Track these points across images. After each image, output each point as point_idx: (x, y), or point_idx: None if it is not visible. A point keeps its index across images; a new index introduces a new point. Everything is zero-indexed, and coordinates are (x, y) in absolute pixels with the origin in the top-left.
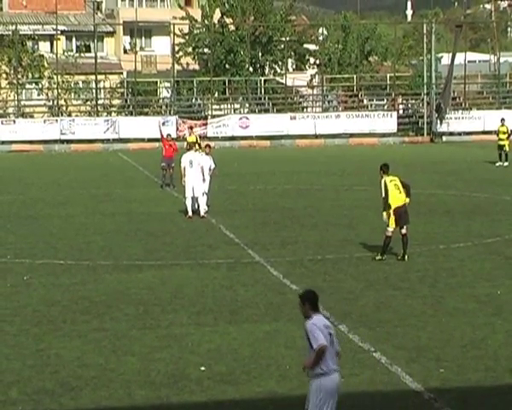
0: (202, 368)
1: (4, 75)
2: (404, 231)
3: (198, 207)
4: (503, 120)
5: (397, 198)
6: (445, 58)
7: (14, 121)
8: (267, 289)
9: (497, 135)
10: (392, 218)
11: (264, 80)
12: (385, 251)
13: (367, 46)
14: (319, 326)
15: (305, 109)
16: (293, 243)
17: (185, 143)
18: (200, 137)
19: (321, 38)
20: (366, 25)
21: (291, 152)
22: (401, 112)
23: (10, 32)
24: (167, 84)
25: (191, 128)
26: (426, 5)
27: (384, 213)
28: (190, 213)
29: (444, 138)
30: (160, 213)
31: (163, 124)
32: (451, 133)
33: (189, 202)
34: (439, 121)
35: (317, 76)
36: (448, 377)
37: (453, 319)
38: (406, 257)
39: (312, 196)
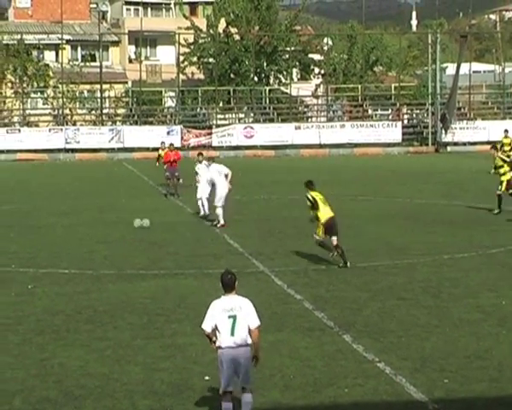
0: (206, 378)
1: (9, 84)
2: (335, 241)
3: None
4: (506, 131)
5: (325, 212)
6: (450, 68)
7: (20, 130)
8: (271, 299)
9: (501, 147)
10: (322, 228)
11: (269, 90)
12: (330, 249)
13: (372, 56)
14: (214, 307)
15: (309, 119)
16: (297, 252)
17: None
18: (204, 146)
19: (326, 48)
20: (371, 35)
21: (296, 162)
22: (406, 122)
23: (16, 42)
24: (172, 94)
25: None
26: (431, 15)
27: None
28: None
29: (448, 148)
30: (164, 222)
31: (167, 133)
32: (456, 143)
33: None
34: (444, 131)
35: (321, 86)
36: (452, 388)
37: (457, 329)
38: (348, 263)
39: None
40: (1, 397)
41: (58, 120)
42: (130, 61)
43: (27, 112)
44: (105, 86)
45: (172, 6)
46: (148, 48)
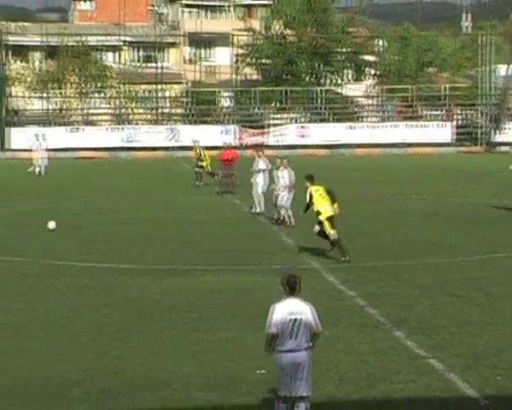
0: (259, 371)
1: (72, 85)
2: (332, 236)
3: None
4: None
5: (325, 208)
6: (503, 69)
7: (80, 129)
8: (324, 296)
9: None
10: (327, 222)
11: (323, 90)
12: (345, 250)
13: (425, 58)
14: (278, 310)
15: (362, 119)
16: (348, 249)
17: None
18: (259, 145)
19: (380, 49)
20: (426, 37)
21: (350, 161)
22: (458, 122)
23: (78, 44)
24: (228, 94)
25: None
26: (484, 17)
27: (316, 226)
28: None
29: (501, 148)
30: (219, 219)
31: (222, 133)
32: (508, 143)
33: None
34: (496, 131)
35: (375, 86)
36: (504, 385)
37: (510, 327)
38: (347, 257)
39: (370, 204)
40: (63, 387)
41: (118, 119)
42: (188, 61)
43: (89, 111)
44: (163, 86)
45: (230, 8)
46: (206, 49)
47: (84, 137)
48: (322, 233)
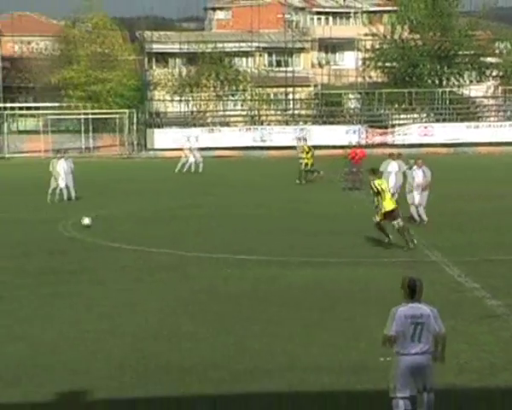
0: (385, 358)
1: (210, 88)
2: (397, 225)
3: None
4: None
5: (389, 202)
6: None
7: (216, 130)
8: (444, 288)
9: None
10: (381, 214)
11: (446, 91)
12: (409, 240)
13: None
14: (399, 315)
15: (484, 119)
16: (468, 244)
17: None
18: (384, 144)
19: (503, 51)
20: None
21: (472, 159)
22: None
23: (216, 50)
24: (354, 96)
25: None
26: None
27: (376, 217)
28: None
29: None
30: (345, 214)
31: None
32: None
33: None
34: None
35: (499, 87)
36: None
37: None
38: (410, 244)
39: (491, 201)
40: (204, 368)
41: (251, 120)
42: (317, 65)
43: (224, 113)
44: (293, 89)
45: (357, 15)
46: (333, 53)
47: (219, 137)
48: (380, 226)
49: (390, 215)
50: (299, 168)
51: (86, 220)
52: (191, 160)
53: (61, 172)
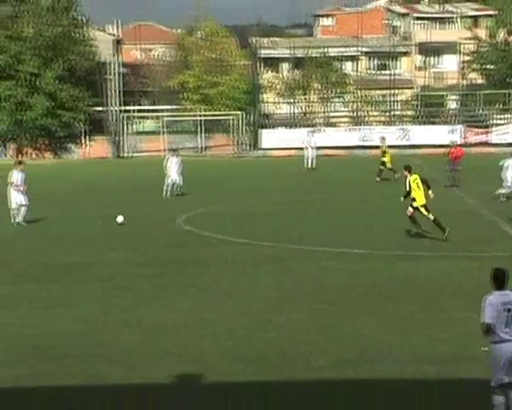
0: (484, 349)
1: (315, 91)
2: (431, 217)
3: None
4: None
5: (420, 197)
6: None
7: (322, 130)
8: None
9: None
10: (422, 209)
11: None
12: (443, 228)
13: None
14: (493, 302)
15: None
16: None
17: None
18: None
19: None
20: None
21: None
22: None
23: (321, 55)
24: (455, 97)
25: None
26: None
27: (409, 209)
28: None
29: None
30: (444, 209)
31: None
32: None
33: None
34: None
35: None
36: None
37: None
38: (446, 231)
39: None
40: (306, 356)
41: (355, 121)
42: (418, 68)
43: (329, 114)
44: (395, 91)
45: (457, 19)
46: (434, 57)
47: (324, 137)
48: (412, 218)
49: (423, 209)
50: (379, 166)
51: (120, 218)
52: (312, 156)
53: (172, 168)
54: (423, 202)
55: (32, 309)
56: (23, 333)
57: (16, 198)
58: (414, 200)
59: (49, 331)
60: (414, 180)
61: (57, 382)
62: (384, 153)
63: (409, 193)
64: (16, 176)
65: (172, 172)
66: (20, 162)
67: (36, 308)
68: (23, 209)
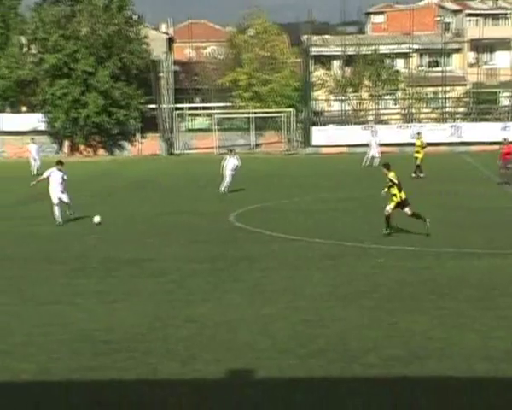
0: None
1: (366, 88)
2: (409, 211)
3: None
4: None
5: (401, 193)
6: None
7: (374, 127)
8: None
9: None
10: (394, 204)
11: None
12: (388, 226)
13: None
14: None
15: None
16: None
17: None
18: None
19: None
20: None
21: None
22: None
23: (372, 52)
24: (508, 94)
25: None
26: None
27: (384, 189)
28: None
29: None
30: (497, 207)
31: (505, 129)
32: None
33: None
34: None
35: None
36: None
37: None
38: (427, 220)
39: None
40: (358, 352)
41: (406, 118)
42: (470, 65)
43: (380, 111)
44: (447, 88)
45: (510, 15)
46: (487, 53)
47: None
48: (416, 214)
49: (401, 204)
50: (414, 162)
51: (96, 218)
52: (372, 154)
53: (226, 167)
54: (403, 196)
55: (89, 305)
56: (81, 327)
57: (58, 195)
58: (394, 195)
59: (106, 326)
60: (393, 176)
61: (112, 376)
62: (422, 147)
63: (397, 188)
64: (55, 175)
65: (227, 172)
66: (60, 162)
67: (93, 303)
68: (63, 207)
